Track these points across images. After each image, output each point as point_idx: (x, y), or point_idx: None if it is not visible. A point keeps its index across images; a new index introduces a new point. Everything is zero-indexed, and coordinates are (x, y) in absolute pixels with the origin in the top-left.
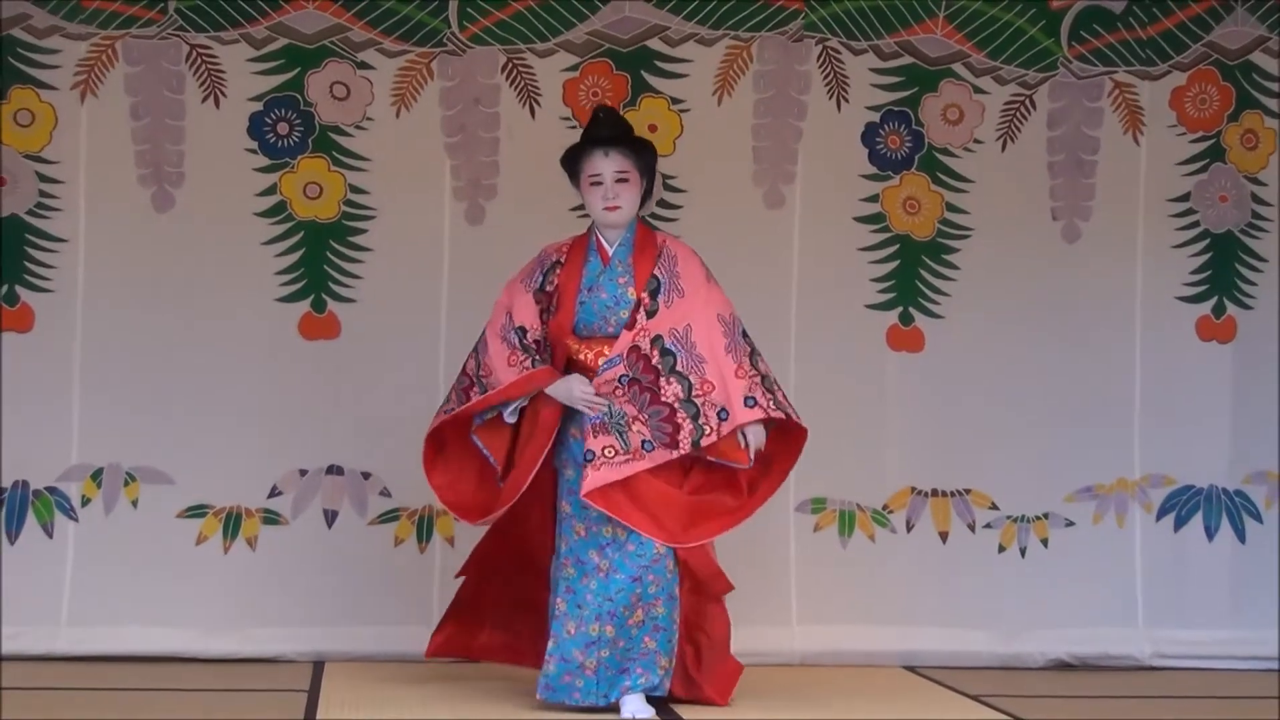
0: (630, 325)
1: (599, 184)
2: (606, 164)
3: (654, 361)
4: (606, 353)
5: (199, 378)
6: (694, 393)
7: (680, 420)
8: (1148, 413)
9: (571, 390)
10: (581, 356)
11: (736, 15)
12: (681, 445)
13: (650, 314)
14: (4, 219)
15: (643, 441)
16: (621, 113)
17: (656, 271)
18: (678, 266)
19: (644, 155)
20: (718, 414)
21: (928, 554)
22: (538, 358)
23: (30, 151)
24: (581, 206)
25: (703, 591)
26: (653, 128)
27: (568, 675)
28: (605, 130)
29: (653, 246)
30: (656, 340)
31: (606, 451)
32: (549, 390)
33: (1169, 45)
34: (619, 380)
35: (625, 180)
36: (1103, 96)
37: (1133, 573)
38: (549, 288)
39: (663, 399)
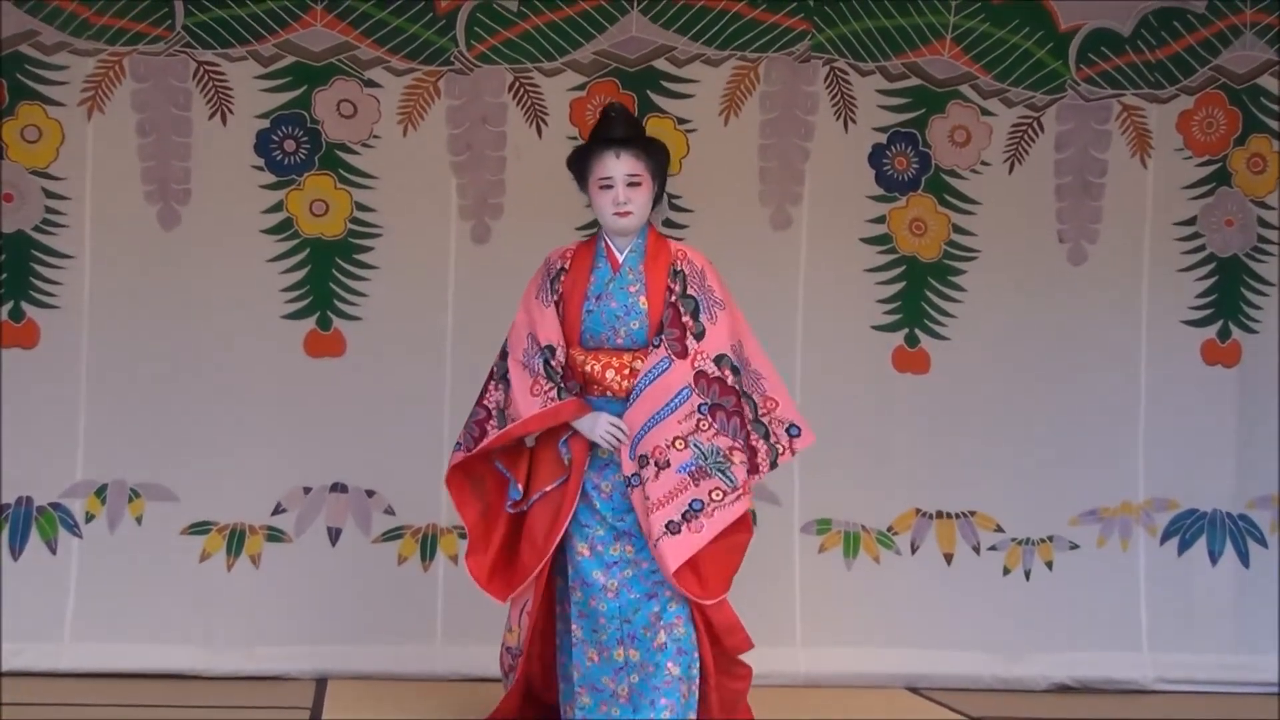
0: (683, 354)
1: (609, 187)
2: (617, 166)
3: (730, 382)
4: (616, 365)
5: (204, 394)
6: (759, 412)
7: (755, 442)
8: (1152, 436)
9: (596, 425)
10: (589, 368)
11: (743, 36)
12: (761, 468)
13: (699, 336)
14: (10, 235)
15: (747, 470)
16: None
17: (690, 290)
18: (708, 280)
19: (656, 156)
20: (786, 430)
21: (932, 576)
22: (564, 386)
23: (37, 168)
24: (589, 224)
25: (721, 646)
26: None
27: (604, 705)
28: (617, 130)
29: (666, 254)
30: (722, 359)
31: (714, 495)
32: (575, 424)
33: (1177, 69)
34: (698, 410)
35: (637, 184)
36: (1110, 119)
37: (1137, 596)
38: (555, 297)
39: (747, 421)
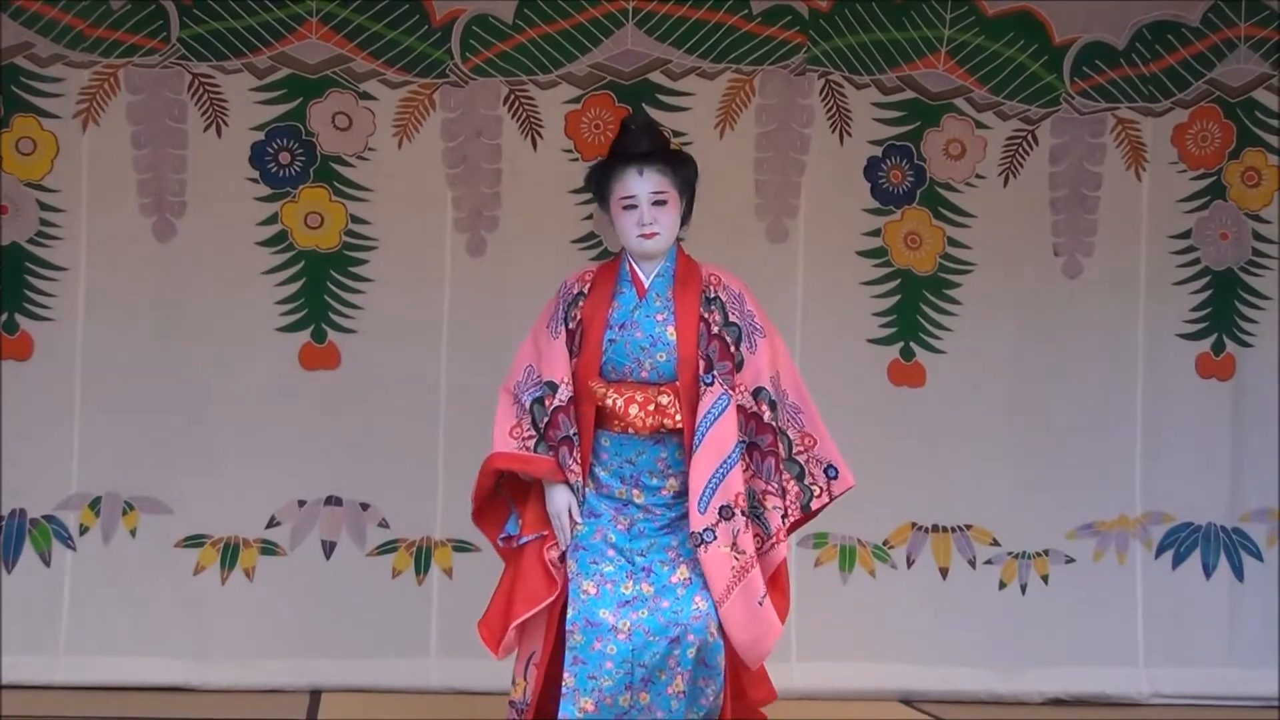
0: (735, 387)
1: (633, 208)
2: (641, 184)
3: (767, 419)
4: (639, 400)
5: (198, 407)
6: (794, 449)
7: (786, 483)
8: (1148, 450)
9: (552, 503)
10: (610, 402)
11: (739, 49)
12: (790, 514)
13: (738, 366)
14: (5, 247)
15: (781, 516)
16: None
17: (732, 318)
18: (747, 306)
19: (683, 170)
20: (824, 471)
21: (928, 590)
22: (545, 440)
23: (32, 180)
24: (585, 237)
25: (745, 699)
26: None
27: None
28: (640, 144)
29: (696, 279)
30: (760, 393)
31: (755, 541)
32: (545, 486)
33: (1171, 82)
34: (737, 449)
35: (664, 202)
36: (1105, 132)
37: (1133, 611)
38: (571, 324)
39: (780, 461)
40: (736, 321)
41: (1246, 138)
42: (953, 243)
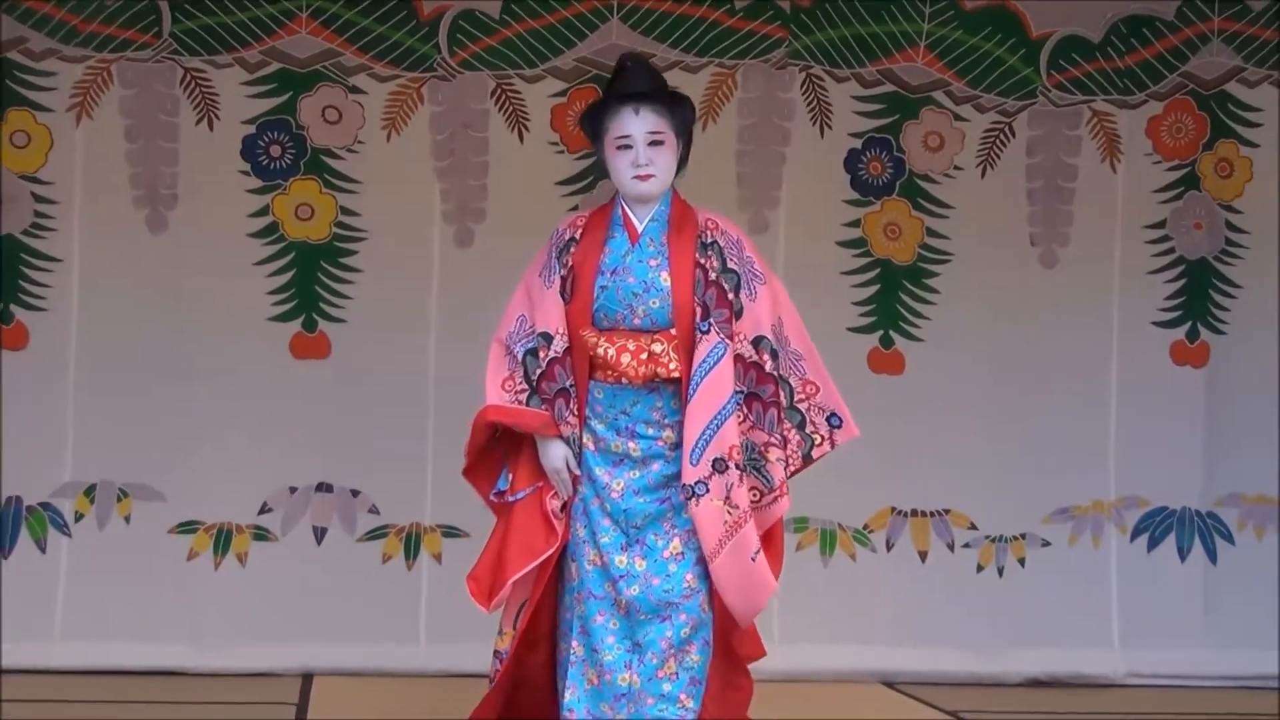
0: (732, 336)
1: (628, 148)
2: (637, 124)
3: (768, 368)
4: (631, 349)
5: (191, 396)
6: (796, 397)
7: (787, 433)
8: (1123, 435)
9: (550, 457)
10: (601, 351)
11: (721, 43)
12: (791, 462)
13: (737, 314)
14: (0, 238)
15: (784, 467)
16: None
17: (730, 264)
18: (746, 252)
19: (680, 112)
20: (827, 419)
21: (907, 573)
22: (538, 393)
23: (26, 172)
24: None
25: (732, 656)
26: None
27: None
28: (637, 83)
29: (692, 225)
30: (761, 342)
31: (752, 495)
32: (538, 441)
33: (1146, 75)
34: (733, 400)
35: (660, 143)
36: (1081, 125)
37: (1108, 593)
38: (563, 271)
39: (782, 410)
40: (735, 268)
41: (1220, 129)
42: (931, 233)
